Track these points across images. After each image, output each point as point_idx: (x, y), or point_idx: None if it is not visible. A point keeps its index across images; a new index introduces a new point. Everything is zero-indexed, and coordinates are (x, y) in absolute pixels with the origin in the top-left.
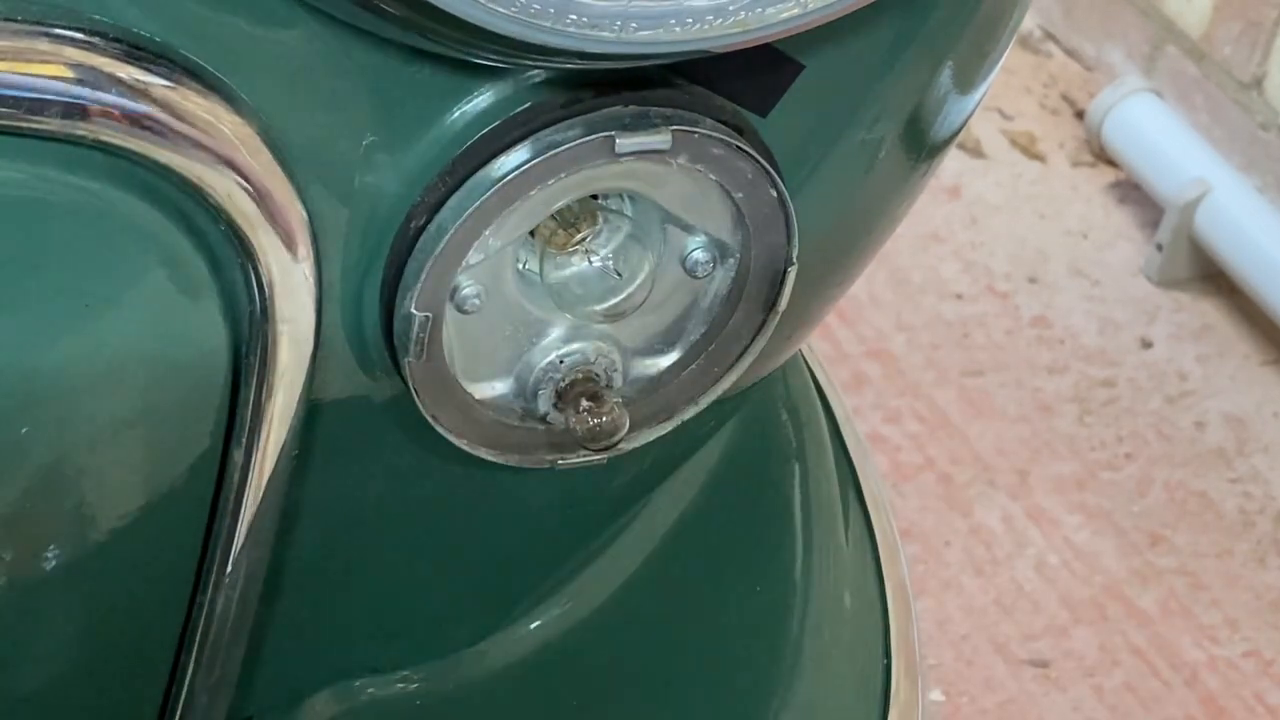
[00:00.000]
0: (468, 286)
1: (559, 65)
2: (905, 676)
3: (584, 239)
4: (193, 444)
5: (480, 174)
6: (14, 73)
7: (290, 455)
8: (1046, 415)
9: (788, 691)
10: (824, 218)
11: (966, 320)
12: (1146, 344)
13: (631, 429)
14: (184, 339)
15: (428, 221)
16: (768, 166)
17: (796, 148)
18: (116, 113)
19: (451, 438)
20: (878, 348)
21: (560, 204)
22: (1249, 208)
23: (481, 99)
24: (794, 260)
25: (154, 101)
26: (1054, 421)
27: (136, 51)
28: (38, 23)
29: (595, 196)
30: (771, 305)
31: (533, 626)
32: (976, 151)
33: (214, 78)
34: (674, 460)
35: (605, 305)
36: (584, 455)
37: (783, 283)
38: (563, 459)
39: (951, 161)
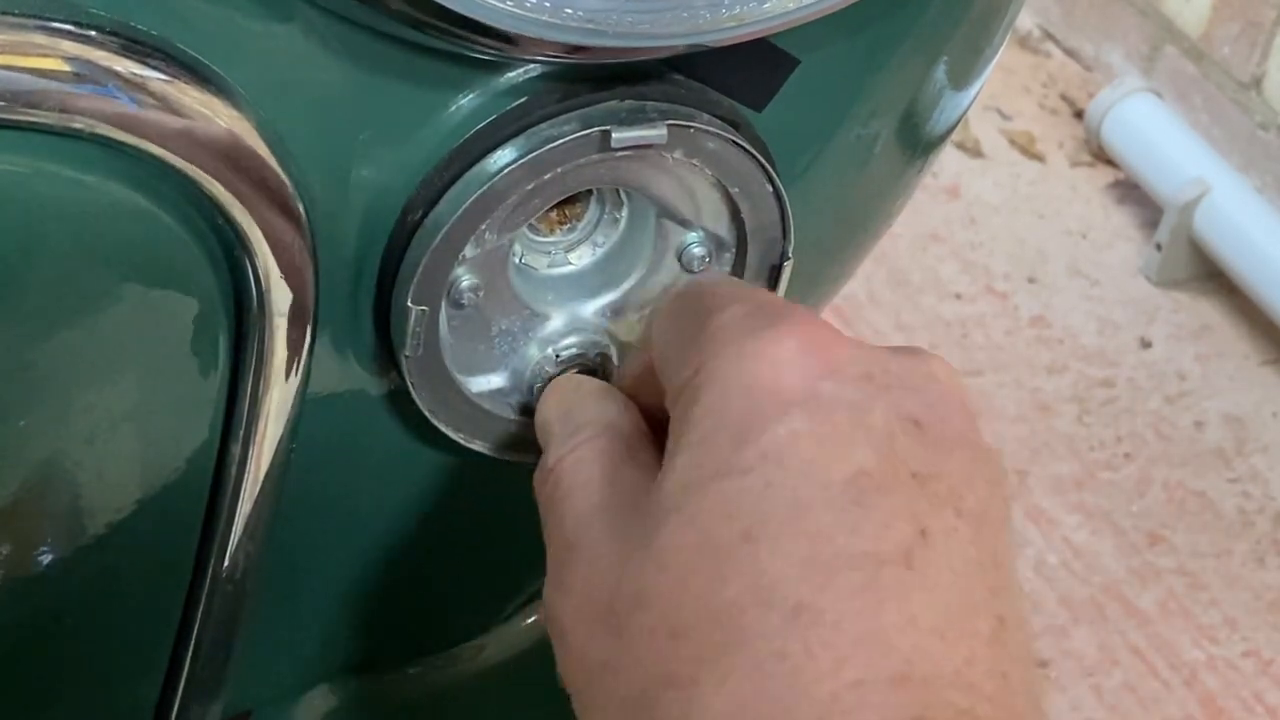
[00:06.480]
0: (464, 280)
1: (555, 60)
2: None
3: (580, 233)
4: (189, 439)
5: (476, 168)
6: (10, 66)
7: (287, 450)
8: (1045, 415)
9: None
10: (819, 212)
11: (965, 320)
12: (1146, 344)
13: None
14: (180, 333)
15: (424, 215)
16: (763, 161)
17: (792, 142)
18: (113, 106)
19: (448, 432)
20: None
21: (557, 198)
22: (1248, 208)
23: (478, 93)
24: (789, 255)
25: (150, 95)
26: (1053, 421)
27: (133, 45)
28: (34, 16)
29: (591, 191)
30: None
31: (530, 622)
32: (975, 151)
33: (210, 71)
34: None
35: (601, 300)
36: None
37: (778, 278)
38: None
39: (950, 161)
